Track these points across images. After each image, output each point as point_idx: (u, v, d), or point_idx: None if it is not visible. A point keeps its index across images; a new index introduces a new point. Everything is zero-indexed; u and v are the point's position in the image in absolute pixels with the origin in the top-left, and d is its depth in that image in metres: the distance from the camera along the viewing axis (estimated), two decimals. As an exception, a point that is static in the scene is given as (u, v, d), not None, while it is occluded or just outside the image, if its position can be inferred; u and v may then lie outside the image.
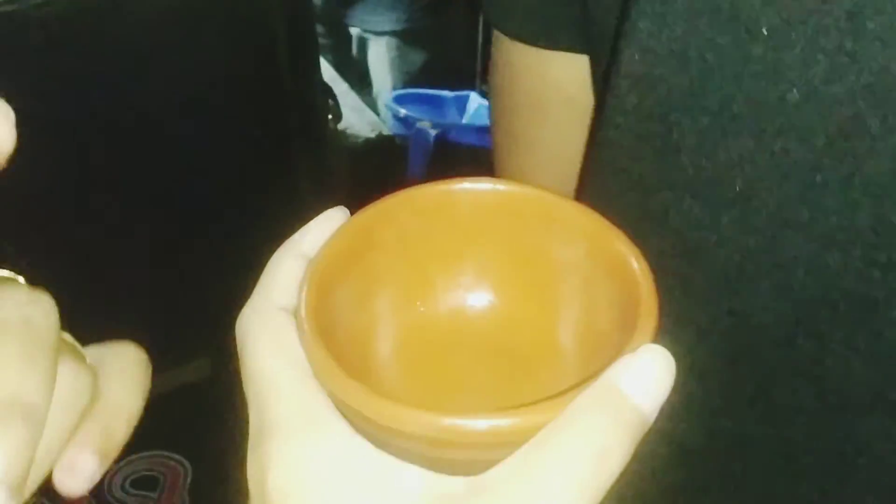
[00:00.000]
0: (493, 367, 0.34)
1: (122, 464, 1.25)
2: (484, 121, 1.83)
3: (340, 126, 1.37)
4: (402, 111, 1.87)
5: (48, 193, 0.86)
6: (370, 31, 2.03)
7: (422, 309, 0.35)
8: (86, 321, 0.31)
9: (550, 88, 0.59)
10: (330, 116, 1.09)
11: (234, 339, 0.31)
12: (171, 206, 0.95)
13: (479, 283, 0.35)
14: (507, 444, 0.27)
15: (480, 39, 1.93)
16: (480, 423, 0.26)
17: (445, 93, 1.96)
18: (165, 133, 0.90)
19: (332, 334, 0.30)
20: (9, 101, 0.27)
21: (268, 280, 0.32)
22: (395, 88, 2.04)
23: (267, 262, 0.33)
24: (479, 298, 0.35)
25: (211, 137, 0.96)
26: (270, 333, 0.30)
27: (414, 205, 0.33)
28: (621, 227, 0.32)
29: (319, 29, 2.02)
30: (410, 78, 2.03)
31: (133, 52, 0.85)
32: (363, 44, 2.09)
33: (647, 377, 0.27)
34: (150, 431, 0.32)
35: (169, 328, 1.01)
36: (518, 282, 0.35)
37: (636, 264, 0.30)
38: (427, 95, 1.96)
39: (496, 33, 0.61)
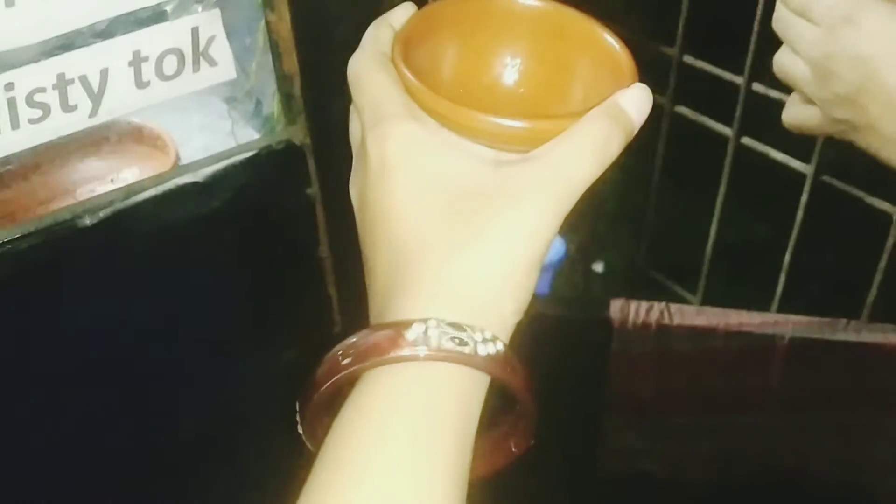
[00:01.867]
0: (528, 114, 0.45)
1: None
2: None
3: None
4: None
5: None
6: None
7: (463, 87, 0.47)
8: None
9: None
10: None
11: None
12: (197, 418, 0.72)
13: (509, 68, 0.48)
14: (545, 140, 0.41)
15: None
16: (532, 123, 0.41)
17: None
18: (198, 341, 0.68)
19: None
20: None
21: (369, 37, 0.45)
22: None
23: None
24: (509, 78, 0.48)
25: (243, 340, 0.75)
26: (379, 62, 0.43)
27: (467, 5, 0.48)
28: None
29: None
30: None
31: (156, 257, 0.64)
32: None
33: (636, 98, 0.43)
34: None
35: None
36: (539, 67, 0.48)
37: (619, 47, 0.45)
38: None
39: None
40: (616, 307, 1.05)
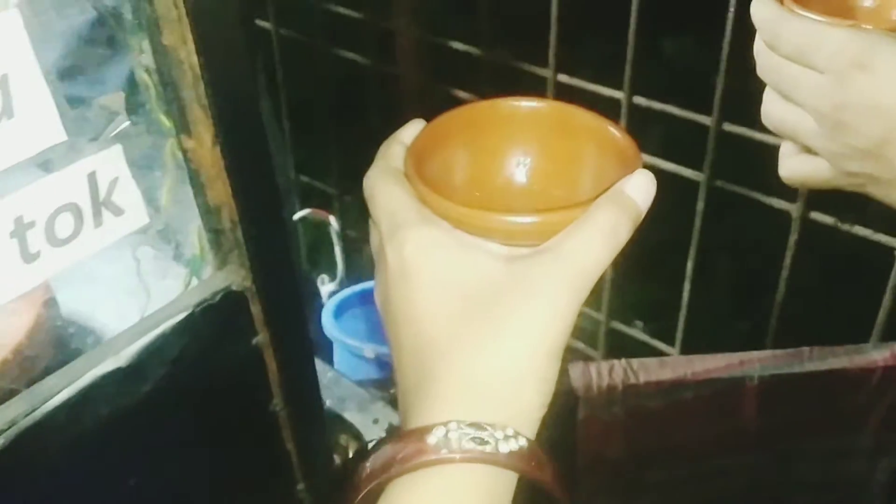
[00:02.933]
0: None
1: None
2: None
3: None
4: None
5: None
6: None
7: (478, 190, 0.50)
8: None
9: None
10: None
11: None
12: None
13: (520, 167, 0.51)
14: (555, 232, 0.43)
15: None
16: (541, 217, 0.43)
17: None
18: None
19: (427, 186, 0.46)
20: None
21: (382, 154, 0.48)
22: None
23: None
24: (520, 177, 0.51)
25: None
26: (391, 176, 0.46)
27: (473, 113, 0.50)
28: None
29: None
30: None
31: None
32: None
33: (640, 184, 0.44)
34: None
35: None
36: (548, 163, 0.51)
37: (625, 140, 0.47)
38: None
39: None
40: (577, 372, 0.97)
